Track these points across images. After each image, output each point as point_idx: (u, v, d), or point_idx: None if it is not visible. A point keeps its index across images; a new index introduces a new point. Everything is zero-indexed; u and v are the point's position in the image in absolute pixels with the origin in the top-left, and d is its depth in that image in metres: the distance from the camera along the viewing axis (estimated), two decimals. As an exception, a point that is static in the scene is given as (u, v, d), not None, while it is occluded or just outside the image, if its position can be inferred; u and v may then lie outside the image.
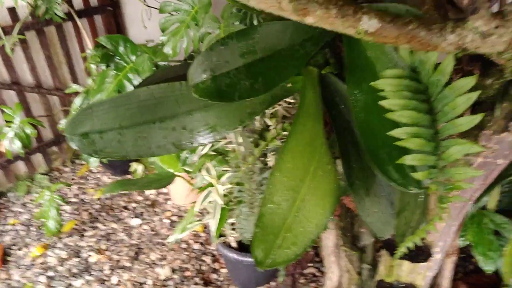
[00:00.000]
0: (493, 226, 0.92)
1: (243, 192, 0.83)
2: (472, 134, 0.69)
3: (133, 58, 1.61)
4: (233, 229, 1.43)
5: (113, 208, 2.06)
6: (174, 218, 1.98)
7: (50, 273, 1.67)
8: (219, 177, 1.24)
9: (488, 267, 0.92)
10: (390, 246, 0.87)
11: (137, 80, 1.57)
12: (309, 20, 0.32)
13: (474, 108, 0.70)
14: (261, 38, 0.60)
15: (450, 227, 0.84)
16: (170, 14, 1.80)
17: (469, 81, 0.43)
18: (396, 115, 0.47)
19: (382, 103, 0.49)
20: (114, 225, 1.93)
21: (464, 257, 1.55)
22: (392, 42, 0.33)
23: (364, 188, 0.64)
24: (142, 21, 2.08)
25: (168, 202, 2.08)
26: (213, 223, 1.17)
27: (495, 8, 0.58)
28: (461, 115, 0.44)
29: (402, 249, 0.57)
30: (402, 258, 0.88)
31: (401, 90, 0.50)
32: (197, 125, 0.63)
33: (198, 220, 1.32)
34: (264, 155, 0.76)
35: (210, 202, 1.21)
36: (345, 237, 1.12)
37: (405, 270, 0.92)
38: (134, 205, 2.08)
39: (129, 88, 1.54)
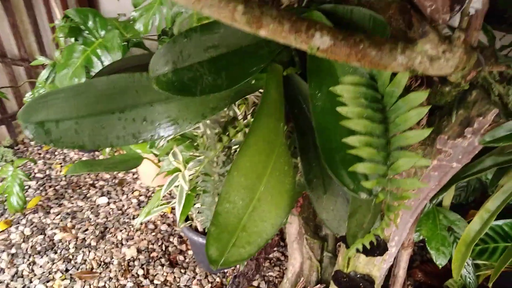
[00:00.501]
0: (446, 223, 0.97)
1: (206, 182, 0.84)
2: (429, 138, 0.71)
3: (103, 33, 1.55)
4: (199, 213, 1.44)
5: (79, 185, 2.02)
6: (142, 198, 1.97)
7: (13, 250, 1.64)
8: (187, 161, 1.24)
9: (440, 261, 0.97)
10: (345, 240, 0.90)
11: (105, 57, 1.52)
12: (262, 33, 0.32)
13: (434, 112, 0.72)
14: (226, 33, 0.59)
15: (405, 223, 0.88)
16: (144, -11, 1.74)
17: (421, 95, 0.44)
18: (351, 123, 0.48)
19: (339, 109, 0.50)
20: (80, 203, 1.91)
21: (422, 246, 1.62)
22: (343, 59, 0.33)
23: (321, 186, 0.66)
24: (114, -6, 2.00)
25: (137, 182, 2.07)
26: (178, 207, 1.17)
27: (456, 19, 0.59)
28: (410, 128, 0.45)
29: (352, 250, 0.59)
30: (358, 251, 0.91)
31: (358, 98, 0.50)
32: (158, 117, 0.62)
33: (164, 204, 1.32)
34: (229, 147, 0.76)
35: (176, 186, 1.21)
36: (307, 226, 1.15)
37: (362, 261, 0.95)
38: (101, 183, 2.05)
39: (97, 64, 1.49)
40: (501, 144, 0.64)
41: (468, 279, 1.23)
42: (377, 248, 0.88)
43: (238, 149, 0.73)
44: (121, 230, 1.76)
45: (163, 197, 1.38)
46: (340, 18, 0.61)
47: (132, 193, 1.99)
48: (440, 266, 0.99)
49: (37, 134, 0.55)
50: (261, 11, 0.31)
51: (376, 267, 0.97)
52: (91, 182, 2.05)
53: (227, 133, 0.71)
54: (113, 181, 2.07)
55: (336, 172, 0.52)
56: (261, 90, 0.91)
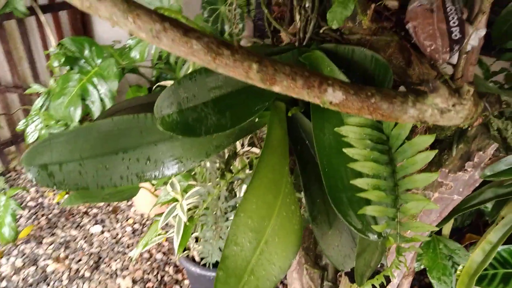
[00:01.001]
0: (447, 252, 0.97)
1: (207, 216, 0.83)
2: (431, 171, 0.72)
3: (99, 61, 1.56)
4: (196, 242, 1.42)
5: (73, 213, 1.99)
6: (136, 226, 1.94)
7: (3, 284, 1.59)
8: (184, 190, 1.23)
9: (440, 290, 0.96)
10: (349, 273, 0.89)
11: (101, 85, 1.52)
12: (276, 89, 0.32)
13: (434, 145, 0.73)
14: (230, 73, 0.59)
15: (408, 254, 0.87)
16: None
17: (427, 139, 0.45)
18: (358, 165, 0.48)
19: (346, 151, 0.50)
20: (73, 232, 1.87)
21: (420, 271, 1.61)
22: (355, 113, 0.34)
23: (326, 223, 0.66)
24: (110, 22, 2.02)
25: (131, 209, 2.04)
26: (176, 239, 1.16)
27: (455, 58, 0.60)
28: (418, 170, 0.45)
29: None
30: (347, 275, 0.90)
31: (363, 139, 0.51)
32: (162, 156, 0.62)
33: (162, 234, 1.30)
34: (231, 182, 0.76)
35: (174, 216, 1.19)
36: (308, 256, 1.14)
37: (364, 293, 0.94)
38: (95, 211, 2.02)
39: (93, 92, 1.49)
40: (501, 178, 0.65)
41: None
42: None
43: (240, 183, 0.73)
44: (115, 260, 1.73)
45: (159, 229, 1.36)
46: (341, 58, 0.63)
47: (127, 220, 1.97)
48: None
49: (41, 177, 0.55)
50: (274, 68, 0.31)
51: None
52: (84, 210, 2.02)
53: (229, 168, 0.71)
54: (107, 208, 2.04)
55: (344, 213, 0.52)
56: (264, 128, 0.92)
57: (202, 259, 1.42)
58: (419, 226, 0.45)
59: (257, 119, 0.65)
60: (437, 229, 0.47)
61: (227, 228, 0.77)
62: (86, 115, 1.63)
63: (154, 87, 1.53)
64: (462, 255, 0.94)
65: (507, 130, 0.66)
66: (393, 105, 0.33)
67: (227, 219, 0.76)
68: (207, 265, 1.45)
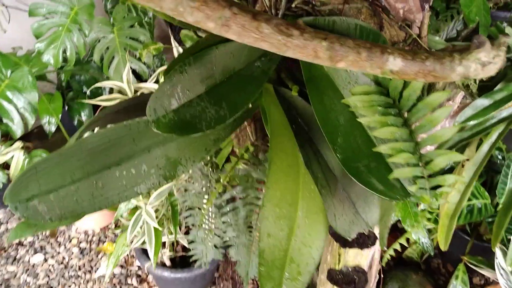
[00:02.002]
0: (415, 199, 1.04)
1: (194, 217, 0.79)
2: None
3: (9, 72, 1.36)
4: (164, 247, 1.36)
5: (4, 248, 1.76)
6: (83, 245, 1.78)
7: None
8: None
9: (417, 235, 1.05)
10: (339, 237, 0.93)
11: (18, 99, 1.33)
12: (341, 65, 0.31)
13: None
14: (219, 60, 0.56)
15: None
16: (44, 17, 1.57)
17: (442, 95, 0.47)
18: (379, 132, 0.49)
19: (362, 120, 0.51)
20: (11, 268, 1.66)
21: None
22: (411, 78, 0.34)
23: (330, 195, 0.66)
24: (-1, 25, 1.77)
25: (72, 228, 1.87)
26: (149, 247, 1.09)
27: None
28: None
29: (390, 252, 0.61)
30: (351, 246, 0.94)
31: (372, 106, 0.52)
32: (158, 161, 0.56)
33: (127, 246, 1.22)
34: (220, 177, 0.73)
35: (141, 226, 1.12)
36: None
37: (351, 255, 0.99)
38: (30, 239, 1.81)
39: (11, 110, 1.30)
40: (471, 121, 0.72)
41: (425, 245, 1.35)
42: (368, 240, 0.92)
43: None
44: (69, 286, 1.58)
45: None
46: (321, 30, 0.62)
47: (70, 241, 1.80)
48: (419, 241, 1.07)
49: (31, 213, 0.47)
50: (340, 43, 0.30)
51: (364, 257, 1.01)
52: (17, 240, 1.80)
53: (220, 169, 0.68)
54: (43, 234, 1.84)
55: (364, 181, 0.52)
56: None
57: (172, 261, 1.37)
58: (444, 179, 0.48)
59: (250, 105, 0.62)
60: (461, 178, 0.51)
61: (223, 223, 0.74)
62: (5, 137, 1.43)
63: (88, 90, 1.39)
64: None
65: (475, 82, 0.72)
66: (443, 66, 0.34)
67: (222, 215, 0.73)
68: (176, 265, 1.40)
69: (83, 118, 1.89)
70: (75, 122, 1.89)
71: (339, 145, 0.55)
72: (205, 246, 0.81)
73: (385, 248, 0.68)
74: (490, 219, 1.28)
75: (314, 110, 0.57)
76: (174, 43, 1.21)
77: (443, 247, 0.85)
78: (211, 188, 0.74)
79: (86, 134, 0.54)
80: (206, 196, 0.75)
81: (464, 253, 1.39)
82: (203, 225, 0.78)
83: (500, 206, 0.74)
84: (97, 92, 1.95)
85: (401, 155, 0.47)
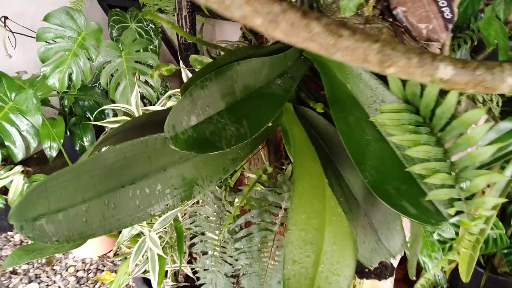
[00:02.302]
0: (430, 228, 1.01)
1: (204, 242, 0.75)
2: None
3: (13, 95, 1.34)
4: (166, 275, 1.30)
5: (-3, 276, 1.69)
6: (80, 273, 1.71)
7: None
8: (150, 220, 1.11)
9: (434, 267, 1.00)
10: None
11: (21, 122, 1.31)
12: (391, 71, 0.28)
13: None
14: (239, 77, 0.54)
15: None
16: (49, 42, 1.57)
17: (478, 113, 0.45)
18: (412, 152, 0.46)
19: (394, 139, 0.48)
20: (3, 298, 1.58)
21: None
22: (461, 88, 0.32)
23: (352, 221, 0.63)
24: (5, 50, 1.78)
25: (69, 256, 1.80)
26: (153, 276, 1.04)
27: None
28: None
29: (421, 282, 0.57)
30: (368, 277, 0.89)
31: (402, 124, 0.49)
32: (174, 181, 0.53)
33: (128, 274, 1.16)
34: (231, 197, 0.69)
35: (143, 254, 1.07)
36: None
37: (367, 287, 0.94)
38: (24, 267, 1.74)
39: (13, 132, 1.27)
40: (496, 145, 0.69)
41: (437, 277, 1.29)
42: (386, 270, 0.88)
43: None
44: (64, 318, 1.50)
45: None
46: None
47: (67, 270, 1.73)
48: (433, 272, 1.02)
49: (38, 233, 0.43)
50: (391, 47, 0.28)
51: (379, 288, 0.96)
52: (10, 268, 1.73)
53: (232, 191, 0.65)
54: (39, 261, 1.77)
55: (396, 205, 0.49)
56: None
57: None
58: (484, 201, 0.45)
59: (270, 124, 0.60)
60: (503, 200, 0.48)
61: (236, 250, 0.70)
62: (5, 161, 1.40)
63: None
64: (445, 228, 0.99)
65: (491, 101, 0.71)
66: (494, 76, 0.31)
67: (236, 240, 0.69)
68: None
69: (86, 143, 1.86)
70: (77, 147, 1.87)
71: (366, 167, 0.53)
72: (215, 275, 0.76)
73: (414, 278, 0.64)
74: (505, 251, 1.24)
75: (339, 130, 0.55)
76: (182, 67, 1.20)
77: (465, 278, 0.81)
78: (224, 212, 0.70)
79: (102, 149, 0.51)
80: (218, 221, 0.72)
81: (479, 287, 1.33)
82: (215, 252, 0.73)
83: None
84: (101, 118, 1.93)
85: (437, 176, 0.44)
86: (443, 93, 0.50)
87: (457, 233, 1.00)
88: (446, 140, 0.47)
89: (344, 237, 0.49)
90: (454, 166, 0.46)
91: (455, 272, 1.59)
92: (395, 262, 0.93)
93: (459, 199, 0.45)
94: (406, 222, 0.88)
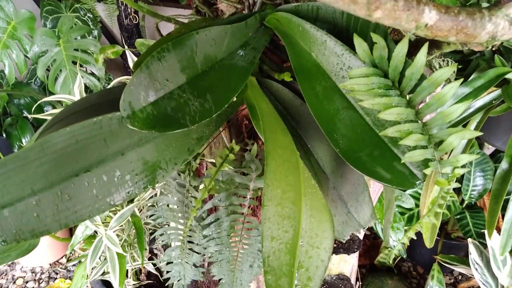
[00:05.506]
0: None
1: (169, 235, 0.70)
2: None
3: None
4: (168, 272, 1.23)
5: None
6: (30, 284, 1.58)
7: None
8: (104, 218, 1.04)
9: (398, 236, 1.02)
10: (343, 247, 0.88)
11: None
12: (377, 14, 0.26)
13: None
14: (199, 47, 0.50)
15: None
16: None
17: (447, 71, 0.44)
18: (385, 115, 0.45)
19: (365, 104, 0.47)
20: None
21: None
22: (443, 35, 0.30)
23: (323, 195, 0.61)
24: None
25: (16, 267, 1.66)
26: (113, 276, 0.97)
27: None
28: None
29: (397, 249, 0.56)
30: (336, 252, 0.89)
31: (372, 88, 0.48)
32: (134, 166, 0.48)
33: (86, 277, 1.08)
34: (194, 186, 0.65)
35: (102, 254, 1.00)
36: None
37: (335, 262, 0.94)
38: (-35, 284, 1.58)
39: None
40: (466, 102, 0.71)
41: (398, 248, 1.34)
42: (354, 244, 0.88)
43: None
44: (16, 333, 1.38)
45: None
46: (305, 18, 0.58)
47: (14, 283, 1.59)
48: (398, 241, 1.05)
49: (-21, 235, 0.37)
50: (377, -12, 0.25)
51: (347, 263, 0.97)
52: None
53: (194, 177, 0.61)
54: (-19, 276, 1.62)
55: (369, 171, 0.48)
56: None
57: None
58: (457, 160, 0.44)
59: (235, 99, 0.56)
60: (475, 157, 0.48)
61: (204, 238, 0.66)
62: None
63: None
64: (405, 199, 1.02)
65: (441, 66, 0.72)
66: (475, 22, 0.30)
67: (203, 227, 0.66)
68: None
69: (25, 144, 1.72)
70: (16, 150, 1.72)
71: (337, 136, 0.51)
72: (183, 266, 0.72)
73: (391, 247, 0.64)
74: (458, 216, 1.30)
75: (307, 101, 0.53)
76: (128, 52, 1.13)
77: (429, 244, 0.83)
78: (189, 199, 0.66)
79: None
80: (183, 209, 0.67)
81: (436, 253, 1.39)
82: (181, 242, 0.69)
83: (491, 195, 0.73)
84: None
85: (411, 137, 0.44)
86: (410, 55, 0.49)
87: (416, 205, 1.04)
88: (417, 102, 0.47)
89: (320, 209, 0.47)
90: (426, 127, 0.45)
91: (411, 242, 1.66)
92: (361, 236, 0.94)
93: (433, 160, 0.45)
94: (372, 192, 0.88)
